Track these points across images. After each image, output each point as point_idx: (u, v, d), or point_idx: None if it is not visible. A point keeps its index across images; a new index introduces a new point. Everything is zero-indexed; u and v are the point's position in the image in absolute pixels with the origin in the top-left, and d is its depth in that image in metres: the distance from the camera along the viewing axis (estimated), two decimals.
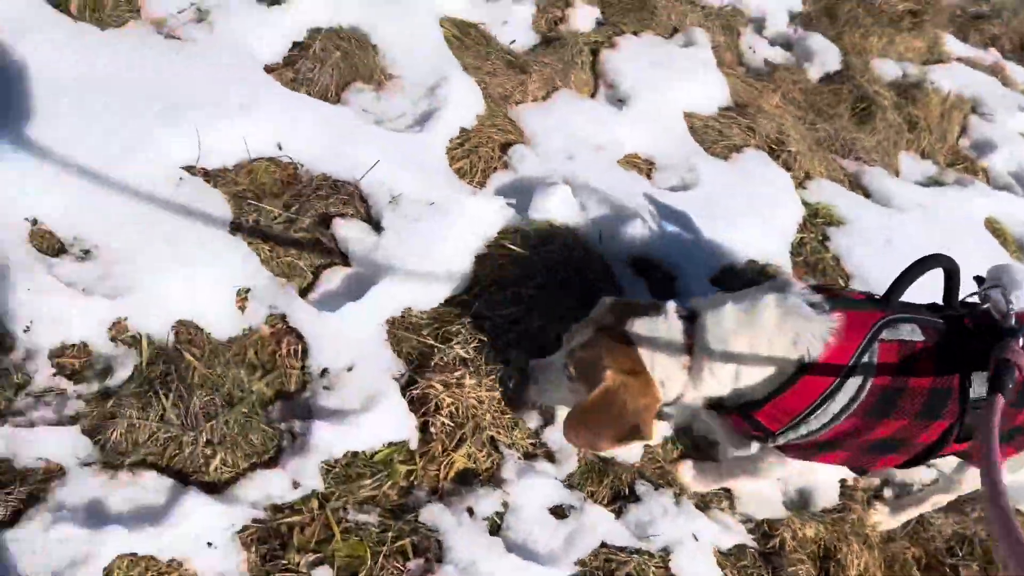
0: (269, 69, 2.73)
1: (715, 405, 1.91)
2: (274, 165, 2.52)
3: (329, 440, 2.00)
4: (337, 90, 2.80)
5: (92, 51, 2.44)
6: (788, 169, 3.34)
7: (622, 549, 2.04)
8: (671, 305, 1.85)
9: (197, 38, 2.64)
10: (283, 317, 2.20)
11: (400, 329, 2.29)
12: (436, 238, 2.45)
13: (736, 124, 3.39)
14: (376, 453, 2.05)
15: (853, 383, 1.72)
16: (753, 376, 1.79)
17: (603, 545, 2.03)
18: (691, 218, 2.89)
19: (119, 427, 1.86)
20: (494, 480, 2.09)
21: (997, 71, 4.68)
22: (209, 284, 2.16)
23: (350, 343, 2.19)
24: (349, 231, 2.43)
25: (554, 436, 2.21)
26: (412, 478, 2.06)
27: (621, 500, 2.17)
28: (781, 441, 1.84)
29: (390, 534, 1.89)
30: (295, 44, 2.83)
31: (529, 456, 2.18)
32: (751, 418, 1.83)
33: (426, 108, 2.85)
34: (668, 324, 1.82)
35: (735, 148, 3.32)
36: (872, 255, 3.12)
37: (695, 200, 2.98)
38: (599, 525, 2.07)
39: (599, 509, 2.11)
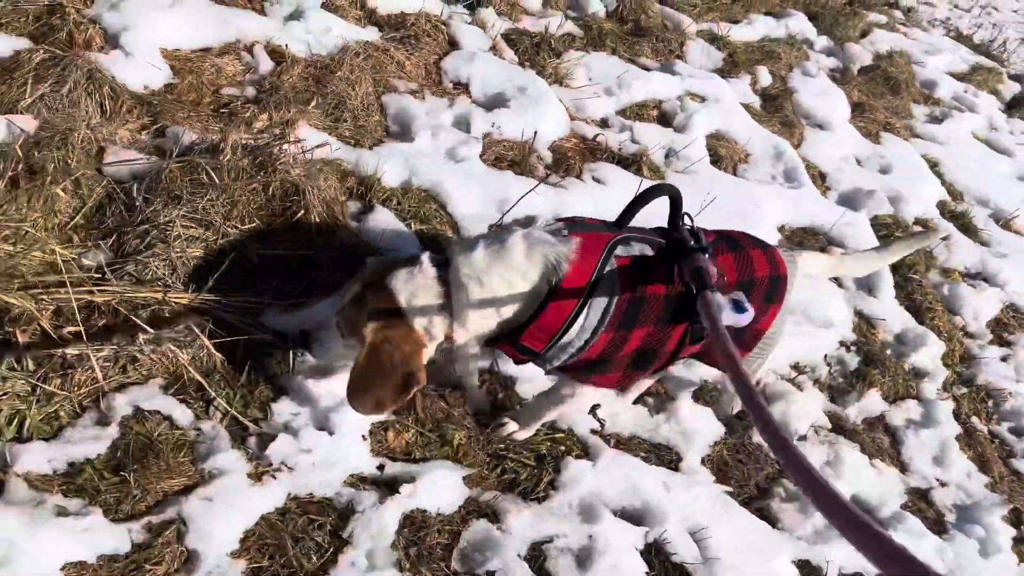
0: None
1: (490, 341, 2.06)
2: None
3: None
4: None
5: None
6: None
7: None
8: (426, 255, 1.96)
9: None
10: None
11: None
12: None
13: None
14: None
15: (601, 296, 1.92)
16: (512, 306, 1.94)
17: None
18: None
19: None
20: None
21: None
22: None
23: None
24: None
25: None
26: None
27: None
28: (555, 363, 2.02)
29: None
30: None
31: None
32: (518, 344, 1.99)
33: None
34: (423, 272, 1.93)
35: None
36: None
37: None
38: None
39: None
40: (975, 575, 2.73)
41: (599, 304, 1.92)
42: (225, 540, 1.86)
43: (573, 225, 1.99)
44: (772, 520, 2.59)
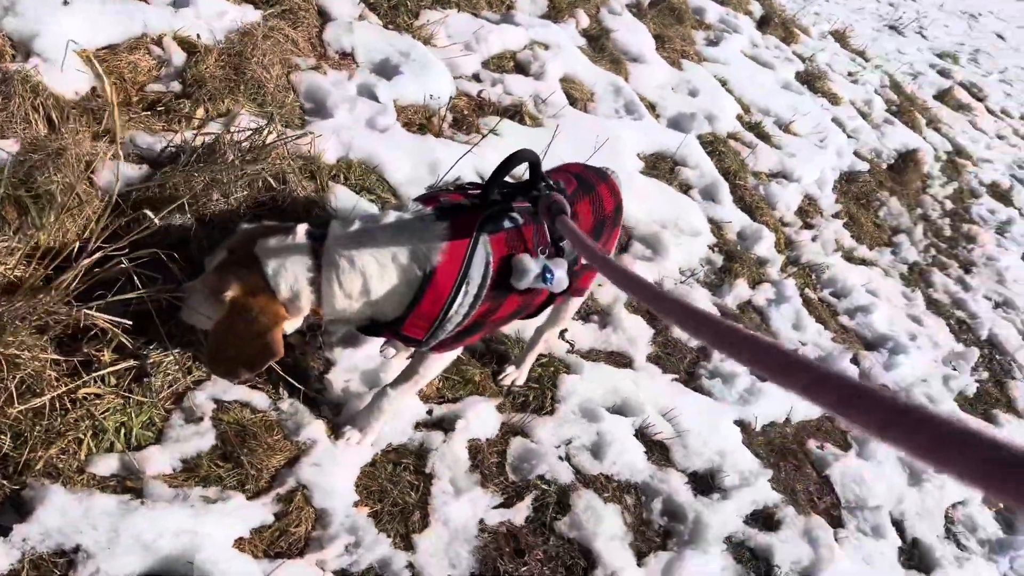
0: None
1: (367, 329, 2.01)
2: None
3: None
4: None
5: None
6: None
7: None
8: (301, 226, 1.89)
9: None
10: None
11: None
12: None
13: None
14: None
15: (476, 275, 1.89)
16: (383, 289, 1.87)
17: None
18: None
19: None
20: None
21: None
22: None
23: None
24: None
25: None
26: None
27: None
28: (433, 343, 2.01)
29: None
30: None
31: None
32: (400, 334, 1.95)
33: None
34: (295, 241, 1.86)
35: None
36: None
37: None
38: None
39: None
40: None
41: (475, 277, 1.90)
42: (344, 495, 2.14)
43: (441, 207, 1.95)
44: (707, 394, 3.27)
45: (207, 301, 1.91)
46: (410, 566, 2.08)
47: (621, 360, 3.20)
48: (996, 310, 5.57)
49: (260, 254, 1.84)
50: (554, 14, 5.54)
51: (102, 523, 1.78)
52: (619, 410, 2.91)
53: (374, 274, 1.85)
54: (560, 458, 2.60)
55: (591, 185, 2.32)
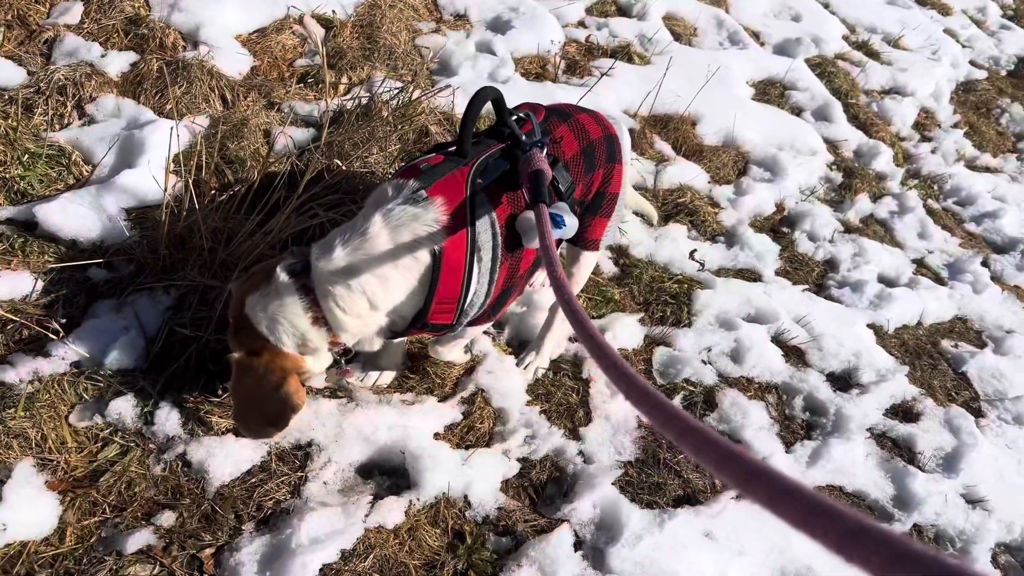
0: None
1: (392, 334, 1.90)
2: None
3: None
4: None
5: None
6: None
7: None
8: (279, 269, 1.74)
9: None
10: None
11: None
12: None
13: None
14: None
15: (486, 241, 1.78)
16: (392, 296, 1.76)
17: None
18: None
19: None
20: None
21: None
22: None
23: None
24: None
25: None
26: None
27: None
28: (466, 321, 1.92)
29: None
30: None
31: None
32: (428, 325, 1.84)
33: None
34: (277, 289, 1.73)
35: None
36: None
37: None
38: None
39: None
40: (976, 308, 3.65)
41: (486, 243, 1.79)
42: (516, 396, 2.43)
43: (422, 178, 1.78)
44: (838, 302, 3.38)
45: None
46: (581, 453, 2.35)
47: (750, 276, 3.36)
48: None
49: (249, 314, 1.75)
50: None
51: (329, 421, 2.13)
52: (754, 319, 3.08)
53: (377, 288, 1.73)
54: (703, 362, 2.81)
55: (567, 114, 2.15)
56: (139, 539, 1.81)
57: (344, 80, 3.32)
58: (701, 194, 3.67)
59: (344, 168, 2.17)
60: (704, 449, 0.75)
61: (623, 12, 4.85)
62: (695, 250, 3.29)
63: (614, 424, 2.47)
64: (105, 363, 2.07)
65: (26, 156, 2.46)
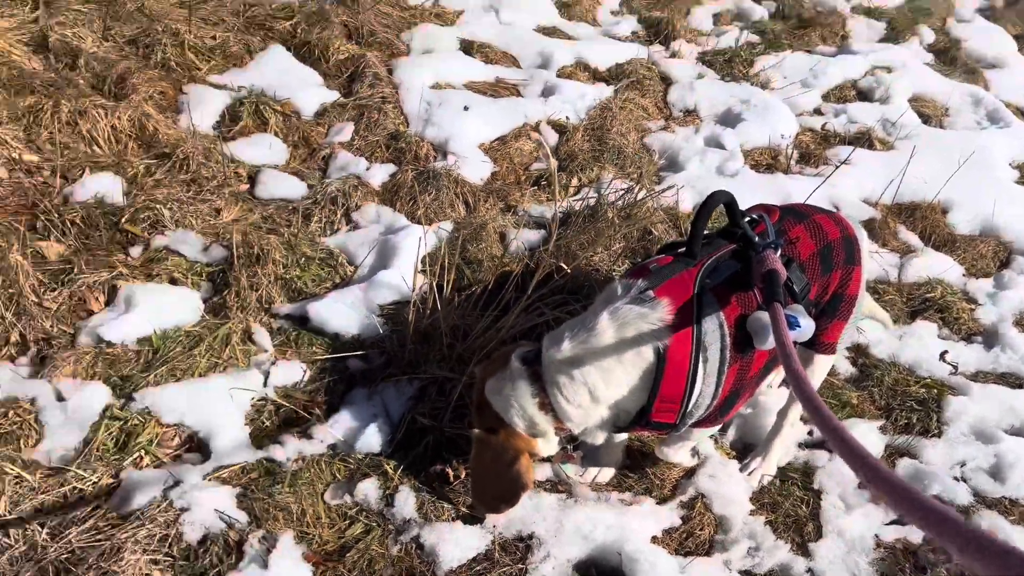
0: None
1: (616, 429, 1.98)
2: None
3: None
4: None
5: None
6: None
7: None
8: (513, 356, 1.90)
9: None
10: None
11: None
12: None
13: None
14: None
15: (713, 341, 1.79)
16: (614, 391, 1.83)
17: None
18: None
19: None
20: None
21: None
22: None
23: None
24: None
25: None
26: None
27: None
28: (690, 422, 1.93)
29: None
30: None
31: None
32: (650, 423, 1.88)
33: None
34: (511, 375, 1.89)
35: None
36: None
37: None
38: None
39: None
40: None
41: (713, 343, 1.80)
42: (740, 503, 2.35)
43: (651, 278, 1.85)
44: None
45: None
46: (810, 571, 2.21)
47: (1015, 381, 3.00)
48: None
49: (488, 396, 1.94)
50: (894, 35, 5.40)
51: (549, 515, 2.20)
52: (1019, 431, 2.74)
53: (599, 381, 1.81)
54: (956, 479, 2.54)
55: (803, 214, 2.14)
56: None
57: (574, 182, 3.51)
58: (954, 288, 3.37)
59: (569, 272, 2.30)
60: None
61: (864, 97, 4.67)
62: (946, 351, 3.01)
63: (848, 541, 2.30)
64: (356, 447, 2.32)
65: (303, 259, 2.86)
